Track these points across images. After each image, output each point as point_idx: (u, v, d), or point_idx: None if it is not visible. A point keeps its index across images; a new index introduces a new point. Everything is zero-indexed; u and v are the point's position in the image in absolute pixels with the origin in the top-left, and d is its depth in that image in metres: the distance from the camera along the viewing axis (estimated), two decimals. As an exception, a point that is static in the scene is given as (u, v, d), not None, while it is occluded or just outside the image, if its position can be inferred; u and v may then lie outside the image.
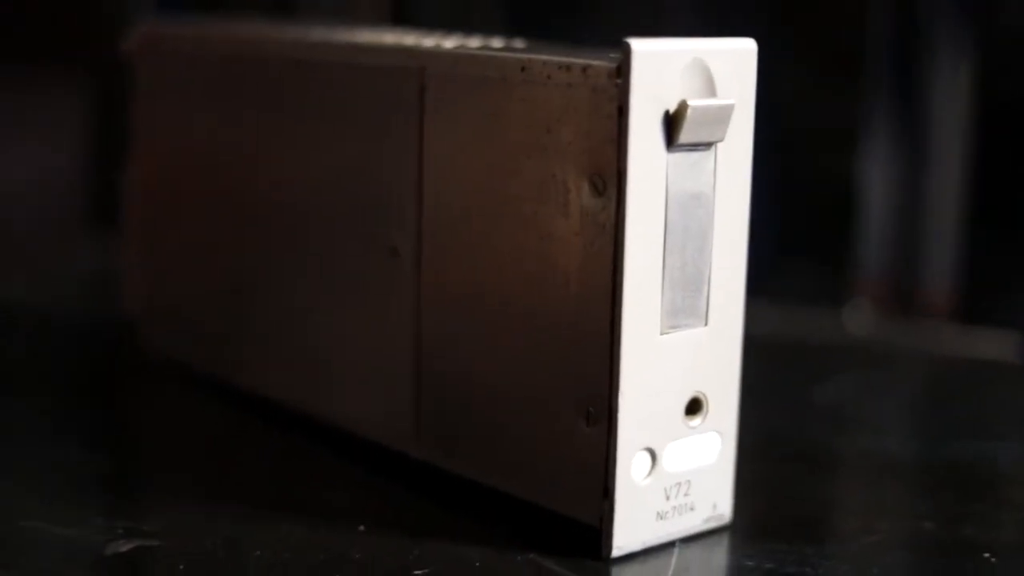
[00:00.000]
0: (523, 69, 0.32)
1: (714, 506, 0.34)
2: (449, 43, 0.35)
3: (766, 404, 0.35)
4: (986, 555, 0.34)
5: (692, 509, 0.34)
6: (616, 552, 0.32)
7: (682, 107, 0.31)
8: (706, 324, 0.33)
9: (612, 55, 0.31)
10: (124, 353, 0.47)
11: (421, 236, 0.35)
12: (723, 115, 0.32)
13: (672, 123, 0.31)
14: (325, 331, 0.39)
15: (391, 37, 0.38)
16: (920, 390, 0.50)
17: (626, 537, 0.32)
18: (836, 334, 0.54)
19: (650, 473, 0.32)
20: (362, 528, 0.34)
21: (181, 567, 0.31)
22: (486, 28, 0.52)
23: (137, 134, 0.45)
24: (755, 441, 0.35)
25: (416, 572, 0.31)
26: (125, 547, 0.32)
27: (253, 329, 0.41)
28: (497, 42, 0.36)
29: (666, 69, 0.31)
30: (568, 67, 0.31)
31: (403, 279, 0.36)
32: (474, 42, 0.36)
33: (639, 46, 0.30)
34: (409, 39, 0.37)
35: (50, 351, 0.49)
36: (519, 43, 0.36)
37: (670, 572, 0.32)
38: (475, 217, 0.34)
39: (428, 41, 0.36)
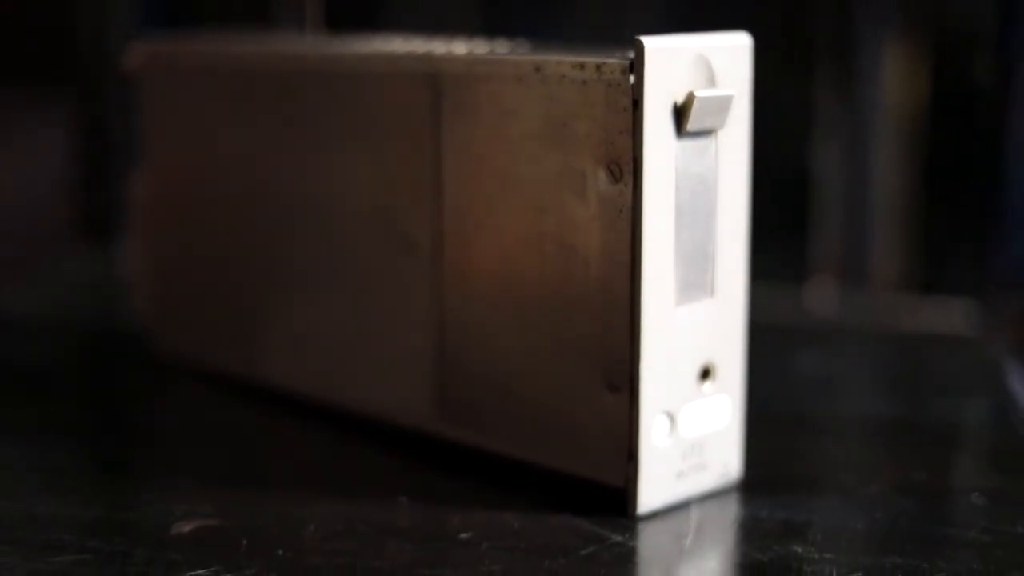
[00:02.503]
0: (538, 69, 0.35)
1: (725, 464, 0.37)
2: (459, 48, 0.38)
3: (749, 376, 0.38)
4: (974, 495, 0.37)
5: (705, 468, 0.36)
6: (642, 510, 0.35)
7: (689, 98, 0.34)
8: (713, 295, 0.36)
9: (620, 53, 0.34)
10: (138, 356, 0.49)
11: (441, 228, 0.38)
12: (724, 104, 0.35)
13: (680, 113, 0.34)
14: (346, 323, 0.41)
15: (399, 45, 0.40)
16: (885, 359, 0.53)
17: (650, 496, 0.35)
18: (799, 311, 0.57)
19: (669, 435, 0.35)
20: (404, 499, 0.36)
21: (244, 542, 0.34)
22: (455, 29, 0.54)
23: (146, 147, 0.47)
24: (747, 408, 0.38)
25: (462, 535, 0.34)
26: (187, 527, 0.34)
27: (273, 326, 0.44)
28: (502, 45, 0.38)
29: (674, 64, 0.34)
30: (582, 65, 0.34)
31: (422, 269, 0.39)
32: (481, 47, 0.38)
33: (651, 44, 0.33)
34: (419, 47, 0.39)
35: (67, 358, 0.51)
36: (522, 45, 0.39)
37: (693, 525, 0.35)
38: (495, 207, 0.36)
39: (439, 48, 0.38)
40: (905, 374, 0.51)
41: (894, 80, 0.59)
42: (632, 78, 0.33)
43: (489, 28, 0.59)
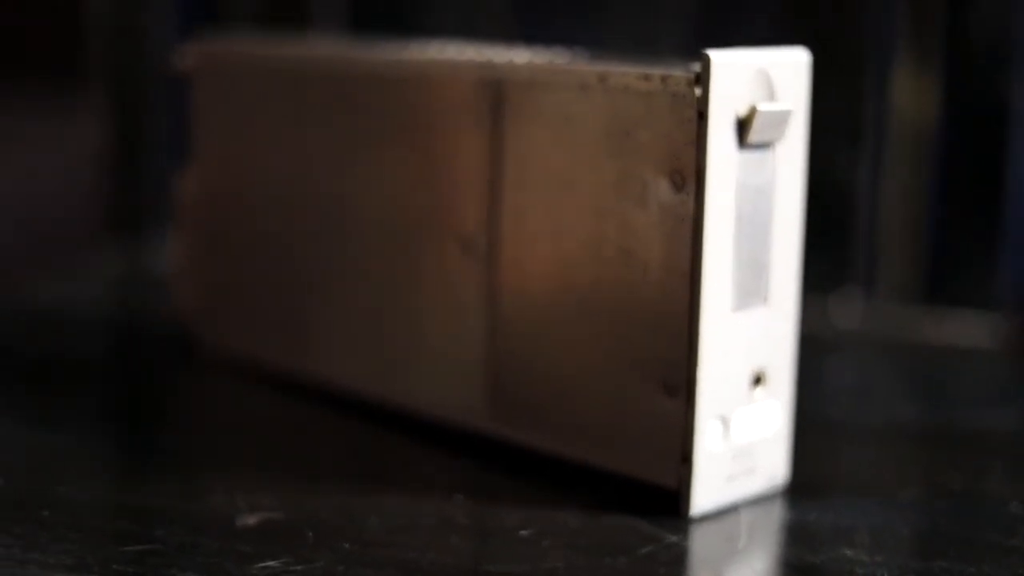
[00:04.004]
0: (602, 79, 0.36)
1: (772, 469, 0.38)
2: (520, 56, 0.39)
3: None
4: (1013, 504, 0.38)
5: (754, 472, 0.37)
6: (695, 512, 0.36)
7: (752, 111, 0.35)
8: (767, 303, 0.37)
9: (686, 66, 0.35)
10: (179, 351, 0.49)
11: (499, 229, 0.39)
12: (784, 119, 0.36)
13: (743, 126, 0.35)
14: (399, 322, 0.42)
15: (456, 51, 0.41)
16: (911, 369, 0.54)
17: (703, 498, 0.36)
18: (825, 322, 0.58)
19: (722, 440, 0.36)
20: (460, 496, 0.37)
21: (310, 534, 0.34)
22: (491, 31, 0.55)
23: (195, 144, 0.48)
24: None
25: (522, 532, 0.35)
26: (252, 520, 0.35)
27: (323, 324, 0.44)
28: (562, 54, 0.39)
29: (738, 78, 0.35)
30: (647, 77, 0.35)
31: (478, 269, 0.39)
32: (541, 55, 0.39)
33: (717, 57, 0.34)
34: (478, 53, 0.40)
35: (109, 352, 0.52)
36: (582, 55, 0.39)
37: (744, 527, 0.36)
38: (553, 211, 0.37)
39: (499, 55, 0.39)
40: (932, 384, 0.52)
41: (915, 95, 0.60)
42: (698, 90, 0.34)
43: (520, 34, 0.60)
